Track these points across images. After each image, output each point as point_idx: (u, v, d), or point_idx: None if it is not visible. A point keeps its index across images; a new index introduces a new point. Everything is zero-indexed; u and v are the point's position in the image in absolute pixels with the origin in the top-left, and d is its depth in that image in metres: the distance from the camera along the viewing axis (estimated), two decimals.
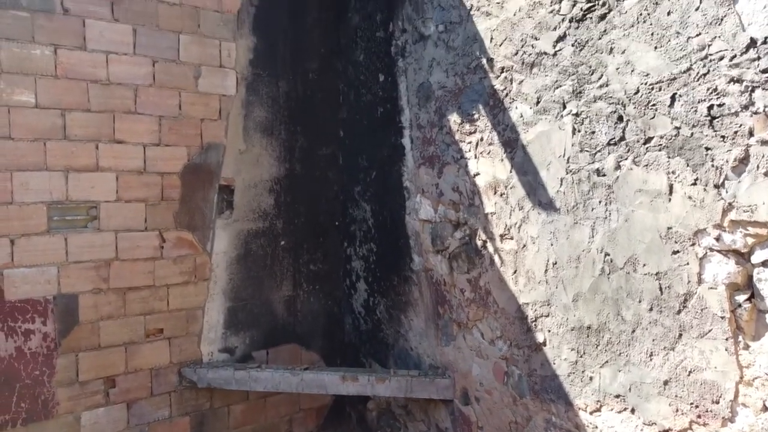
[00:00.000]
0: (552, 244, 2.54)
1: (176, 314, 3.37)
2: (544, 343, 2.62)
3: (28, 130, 2.93)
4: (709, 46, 2.04)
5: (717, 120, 1.99)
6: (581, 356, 2.47)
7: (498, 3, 2.78)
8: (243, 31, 3.56)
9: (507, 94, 2.75)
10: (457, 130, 3.02)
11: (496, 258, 2.82)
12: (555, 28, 2.53)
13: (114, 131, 3.16)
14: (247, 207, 3.63)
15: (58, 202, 3.01)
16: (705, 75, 2.05)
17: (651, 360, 2.21)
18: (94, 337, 3.12)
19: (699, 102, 2.07)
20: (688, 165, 2.05)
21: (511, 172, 2.73)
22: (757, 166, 1.85)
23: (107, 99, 3.13)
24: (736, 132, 1.92)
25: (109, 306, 3.17)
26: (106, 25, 3.11)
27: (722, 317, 1.97)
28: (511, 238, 2.74)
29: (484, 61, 2.85)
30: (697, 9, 2.06)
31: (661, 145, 2.15)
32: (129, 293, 3.22)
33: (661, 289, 2.15)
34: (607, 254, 2.32)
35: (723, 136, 1.96)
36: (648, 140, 2.19)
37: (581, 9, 2.43)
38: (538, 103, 2.61)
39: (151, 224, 3.29)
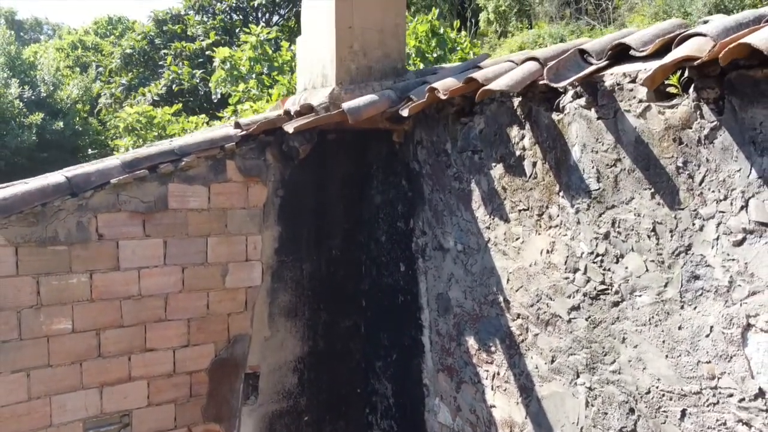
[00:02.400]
0: None
1: None
2: None
3: (66, 355, 3.09)
4: (719, 378, 2.07)
5: None
6: None
7: (515, 248, 2.84)
8: (268, 223, 3.68)
9: (523, 341, 2.80)
10: (475, 354, 3.08)
11: None
12: (569, 296, 2.58)
13: (145, 341, 3.31)
14: (271, 389, 3.75)
15: (93, 416, 3.17)
16: (715, 405, 2.09)
17: None
18: None
19: (709, 429, 2.10)
20: None
21: (526, 418, 2.79)
22: None
23: (139, 312, 3.28)
24: None
25: None
26: (137, 243, 3.26)
27: None
28: None
29: (501, 299, 2.92)
30: (707, 336, 2.10)
31: None
32: None
33: None
34: None
35: None
36: None
37: (594, 287, 2.48)
38: (552, 361, 2.66)
39: (181, 421, 3.43)
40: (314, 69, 3.67)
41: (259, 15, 13.31)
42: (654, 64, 2.11)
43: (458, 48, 9.39)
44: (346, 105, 3.22)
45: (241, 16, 13.25)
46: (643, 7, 20.90)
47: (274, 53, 10.33)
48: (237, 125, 3.61)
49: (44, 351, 3.04)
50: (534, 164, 2.71)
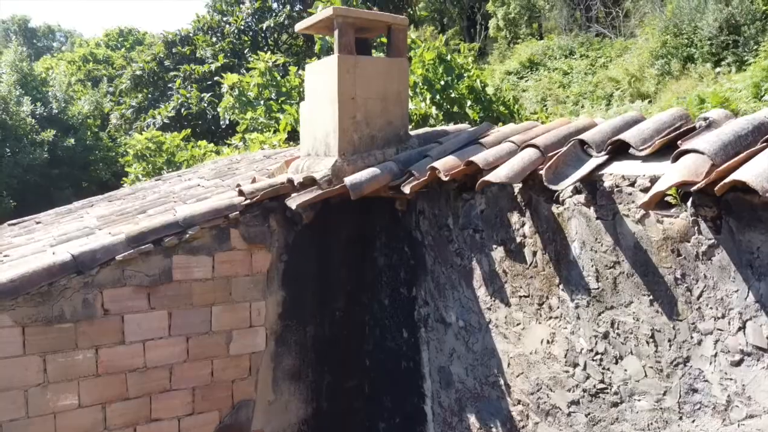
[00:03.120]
0: None
1: None
2: None
3: (73, 430, 3.13)
4: None
5: None
6: None
7: (516, 333, 2.84)
8: (272, 288, 3.71)
9: (524, 427, 2.81)
10: None
11: None
12: (569, 390, 2.58)
13: (151, 412, 3.34)
14: None
15: None
16: None
17: None
18: None
19: None
20: None
21: None
22: None
23: (144, 384, 3.31)
24: None
25: None
26: (143, 316, 3.29)
27: None
28: None
29: (502, 382, 2.92)
30: None
31: None
32: None
33: None
34: None
35: None
36: None
37: (594, 385, 2.48)
38: None
39: None
40: (317, 135, 3.70)
41: (267, 35, 13.37)
42: (652, 172, 2.11)
43: (465, 75, 9.39)
44: (348, 180, 3.25)
45: (249, 38, 13.31)
46: (653, 19, 20.82)
47: (282, 78, 10.39)
48: (240, 193, 3.64)
49: (51, 427, 3.08)
50: (534, 253, 2.71)
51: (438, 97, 8.82)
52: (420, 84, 8.90)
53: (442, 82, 9.05)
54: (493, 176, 2.63)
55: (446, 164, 3.03)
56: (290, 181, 3.60)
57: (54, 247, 3.63)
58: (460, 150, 3.22)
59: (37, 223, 6.32)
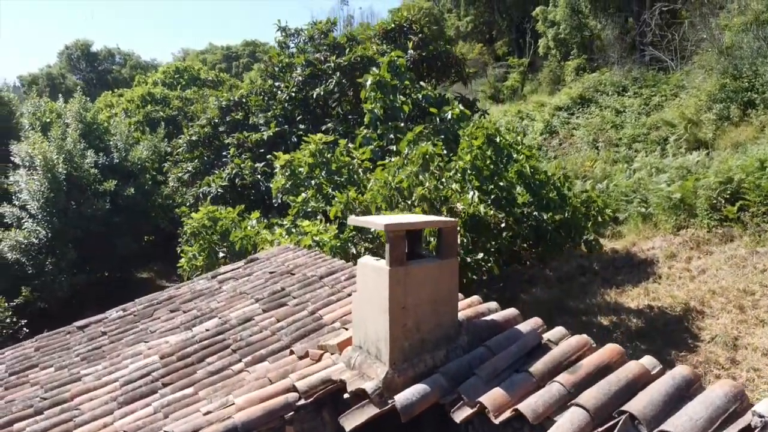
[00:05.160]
0: None
1: None
2: None
3: None
4: None
5: None
6: None
7: None
8: None
9: None
10: None
11: None
12: None
13: None
14: None
15: None
16: None
17: None
18: None
19: None
20: None
21: None
22: None
23: None
24: None
25: None
26: None
27: None
28: None
29: None
30: None
31: None
32: None
33: None
34: None
35: None
36: None
37: None
38: None
39: None
40: (369, 333, 3.79)
41: (317, 102, 13.66)
42: None
43: (514, 159, 9.37)
44: (398, 402, 3.33)
45: (300, 104, 13.62)
46: (710, 47, 20.17)
47: (331, 154, 10.62)
48: (294, 388, 3.78)
49: None
50: None
51: (486, 185, 8.84)
52: (468, 171, 8.94)
53: (492, 167, 9.07)
54: None
55: (495, 402, 3.09)
56: (342, 381, 3.71)
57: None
58: (509, 379, 3.26)
59: (103, 333, 6.63)
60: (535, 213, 9.09)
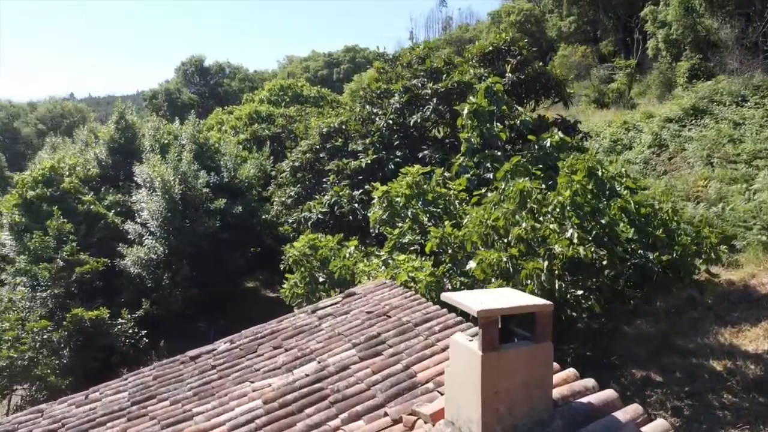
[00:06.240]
0: None
1: None
2: None
3: None
4: None
5: None
6: None
7: None
8: None
9: None
10: None
11: None
12: None
13: None
14: None
15: None
16: None
17: None
18: None
19: None
20: None
21: None
22: None
23: None
24: None
25: None
26: None
27: None
28: None
29: None
30: None
31: None
32: None
33: None
34: None
35: None
36: None
37: None
38: None
39: None
40: (461, 410, 3.81)
41: (418, 128, 13.83)
42: None
43: (617, 192, 9.00)
44: None
45: (398, 130, 13.86)
46: None
47: (427, 183, 10.70)
48: None
49: None
50: None
51: (586, 222, 8.55)
52: (568, 208, 8.69)
53: (593, 202, 8.76)
54: None
55: None
56: None
57: None
58: None
59: (213, 367, 7.09)
60: (640, 251, 8.67)
